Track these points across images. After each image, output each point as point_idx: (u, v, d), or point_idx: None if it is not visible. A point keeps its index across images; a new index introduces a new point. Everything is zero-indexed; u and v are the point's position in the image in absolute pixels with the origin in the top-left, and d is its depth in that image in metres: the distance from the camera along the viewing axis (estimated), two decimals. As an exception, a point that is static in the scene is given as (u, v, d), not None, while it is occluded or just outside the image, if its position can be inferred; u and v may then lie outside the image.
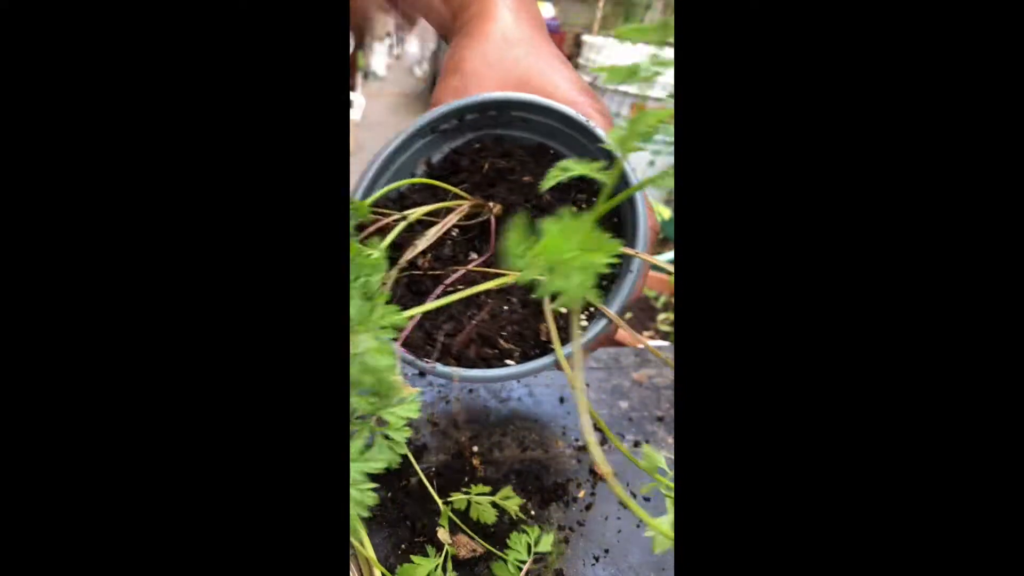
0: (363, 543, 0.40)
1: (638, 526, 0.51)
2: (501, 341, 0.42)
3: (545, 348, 0.42)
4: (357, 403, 0.31)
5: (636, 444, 0.59)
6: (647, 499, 0.54)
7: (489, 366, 0.42)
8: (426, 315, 0.43)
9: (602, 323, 0.40)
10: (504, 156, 0.48)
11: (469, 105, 0.46)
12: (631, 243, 0.42)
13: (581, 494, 0.54)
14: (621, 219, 0.45)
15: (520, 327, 0.43)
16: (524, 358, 0.42)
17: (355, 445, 0.31)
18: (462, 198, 0.46)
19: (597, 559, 0.49)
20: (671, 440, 0.60)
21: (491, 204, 0.46)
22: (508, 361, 0.42)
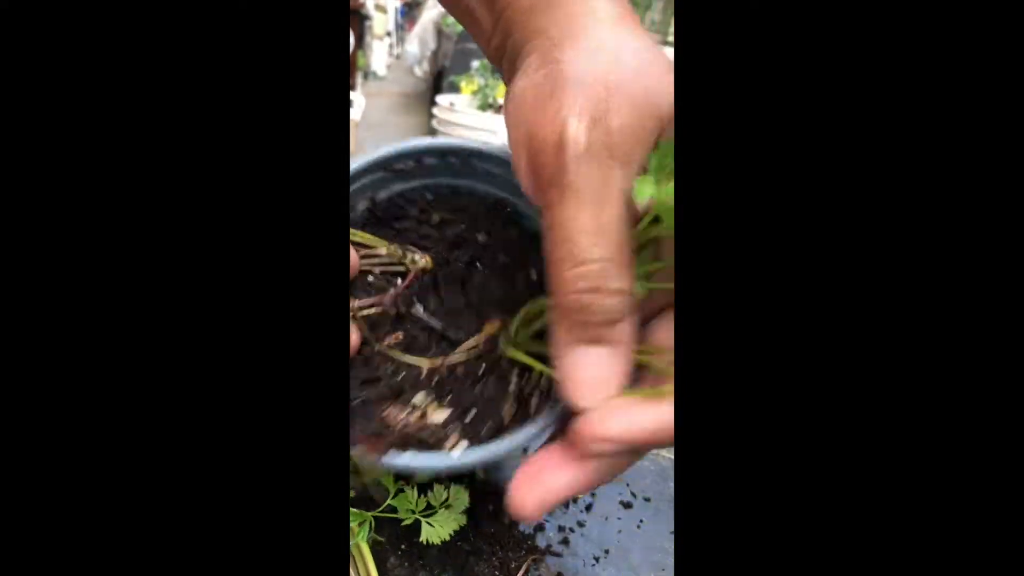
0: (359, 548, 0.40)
1: (638, 526, 0.51)
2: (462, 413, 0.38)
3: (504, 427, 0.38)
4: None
5: (636, 444, 0.59)
6: (647, 499, 0.54)
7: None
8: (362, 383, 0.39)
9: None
10: (456, 211, 0.44)
11: (430, 148, 0.43)
12: None
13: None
14: None
15: (481, 397, 0.39)
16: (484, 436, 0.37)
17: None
18: (372, 246, 0.42)
19: (597, 559, 0.49)
20: (671, 440, 0.60)
21: (416, 255, 0.42)
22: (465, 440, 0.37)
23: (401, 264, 0.42)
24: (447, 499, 0.46)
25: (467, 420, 0.38)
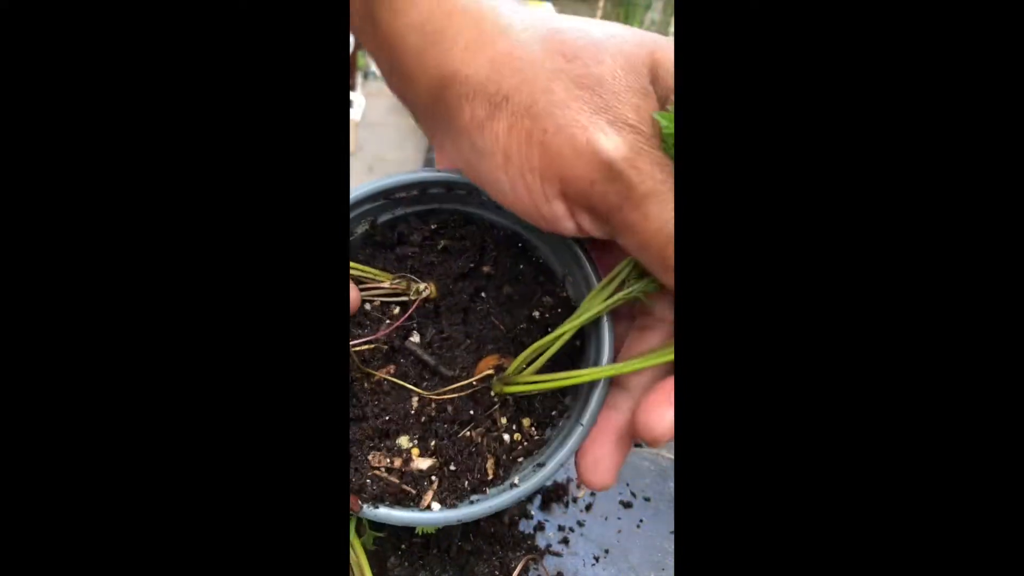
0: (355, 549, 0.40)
1: (638, 526, 0.51)
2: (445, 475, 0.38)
3: (486, 484, 0.38)
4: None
5: (636, 444, 0.59)
6: (647, 499, 0.54)
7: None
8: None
9: (576, 434, 0.36)
10: (463, 239, 0.42)
11: (433, 180, 0.39)
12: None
13: (581, 494, 0.54)
14: (584, 342, 0.40)
15: (461, 457, 0.38)
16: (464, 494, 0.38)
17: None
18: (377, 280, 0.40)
19: (597, 559, 0.49)
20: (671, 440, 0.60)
21: (421, 286, 0.40)
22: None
23: (404, 295, 0.40)
24: None
25: (450, 469, 0.38)
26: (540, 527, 0.50)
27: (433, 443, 0.39)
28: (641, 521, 0.52)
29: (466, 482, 0.38)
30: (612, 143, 0.30)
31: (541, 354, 0.36)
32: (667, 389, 0.33)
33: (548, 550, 0.49)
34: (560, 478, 0.54)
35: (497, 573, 0.46)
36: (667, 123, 0.29)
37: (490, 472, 0.38)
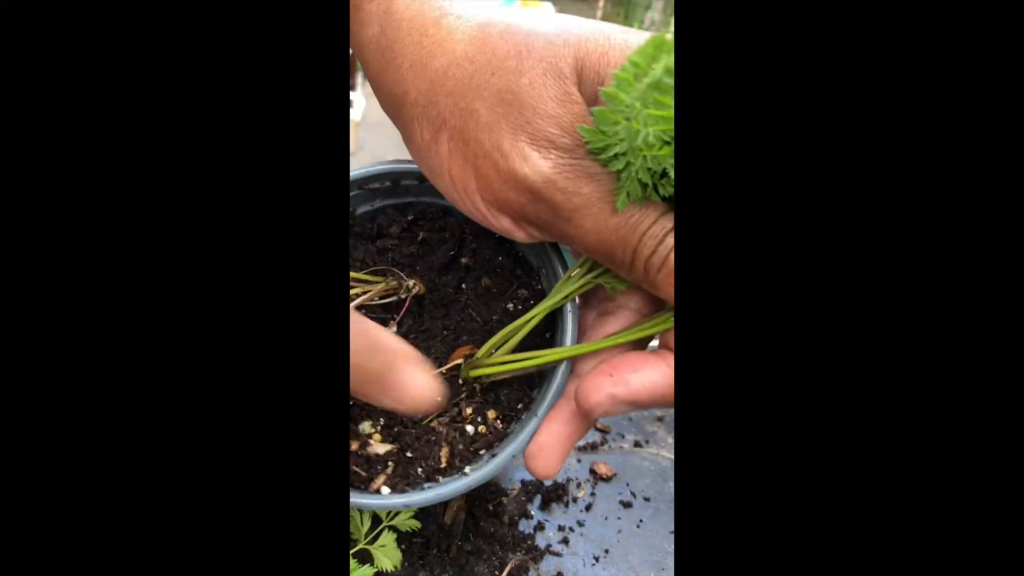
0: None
1: (638, 526, 0.51)
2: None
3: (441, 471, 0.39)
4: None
5: (636, 444, 0.59)
6: (647, 499, 0.54)
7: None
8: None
9: (531, 424, 0.37)
10: (442, 231, 0.43)
11: (405, 171, 0.41)
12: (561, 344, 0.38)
13: (581, 494, 0.54)
14: (554, 333, 0.41)
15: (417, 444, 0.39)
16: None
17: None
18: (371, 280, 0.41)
19: (597, 559, 0.49)
20: (671, 440, 0.60)
21: (410, 283, 0.41)
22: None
23: (394, 293, 0.41)
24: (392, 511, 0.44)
25: (406, 456, 0.38)
26: (540, 527, 0.50)
27: (396, 429, 0.39)
28: (641, 521, 0.52)
29: (420, 469, 0.38)
30: (531, 168, 0.30)
31: (509, 339, 0.37)
32: (612, 365, 0.33)
33: (548, 550, 0.49)
34: (561, 478, 0.54)
35: (497, 573, 0.46)
36: (591, 137, 0.29)
37: (443, 460, 0.38)
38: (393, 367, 0.29)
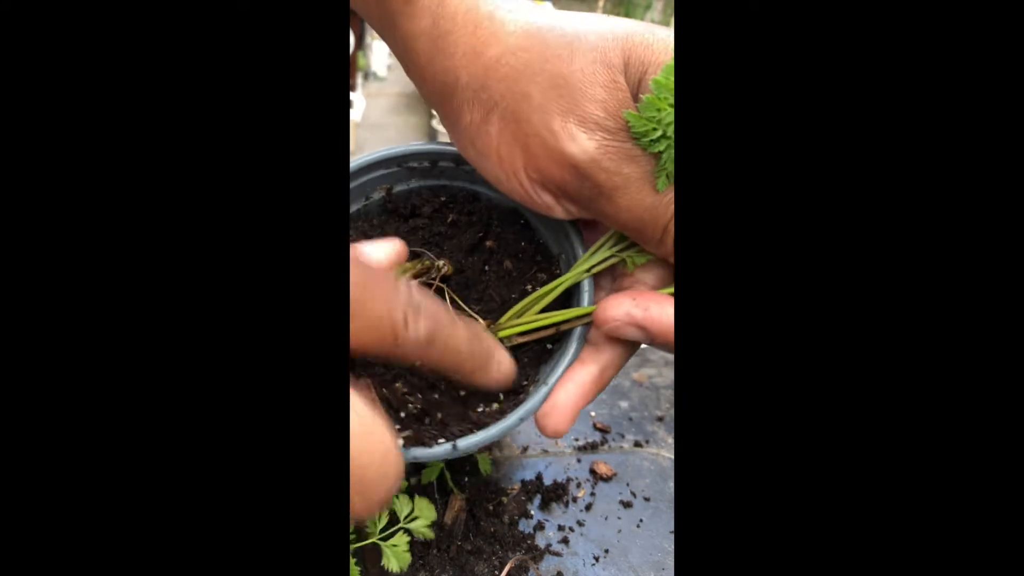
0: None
1: (638, 526, 0.51)
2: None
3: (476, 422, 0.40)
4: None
5: (636, 444, 0.59)
6: (647, 499, 0.54)
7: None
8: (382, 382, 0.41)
9: (543, 390, 0.38)
10: (471, 214, 0.45)
11: (444, 153, 0.43)
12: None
13: (581, 494, 0.54)
14: (571, 297, 0.42)
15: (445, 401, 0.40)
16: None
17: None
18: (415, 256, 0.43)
19: (597, 559, 0.49)
20: (671, 440, 0.60)
21: (440, 263, 0.43)
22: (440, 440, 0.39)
23: (425, 274, 0.43)
24: (411, 513, 0.45)
25: (436, 415, 0.40)
26: (540, 527, 0.50)
27: (417, 395, 0.41)
28: (641, 521, 0.52)
29: (452, 427, 0.39)
30: (578, 147, 0.33)
31: (529, 309, 0.40)
32: (637, 291, 0.37)
33: (548, 550, 0.49)
34: (561, 478, 0.54)
35: (497, 573, 0.46)
36: (634, 122, 0.32)
37: (472, 417, 0.40)
38: (494, 352, 0.34)
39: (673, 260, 0.36)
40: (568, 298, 0.41)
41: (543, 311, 0.40)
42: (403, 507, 0.45)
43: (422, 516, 0.45)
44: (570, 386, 0.38)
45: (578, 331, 0.39)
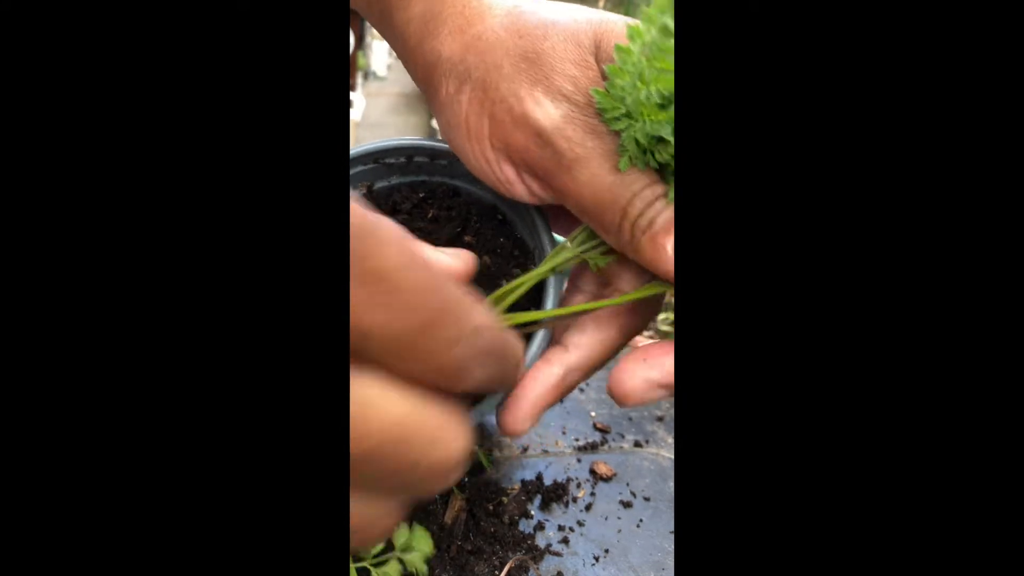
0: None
1: (638, 526, 0.51)
2: None
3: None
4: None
5: (636, 444, 0.59)
6: (647, 499, 0.54)
7: None
8: None
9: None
10: (450, 209, 0.45)
11: (418, 147, 0.44)
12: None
13: (581, 494, 0.54)
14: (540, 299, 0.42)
15: None
16: None
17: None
18: None
19: (597, 559, 0.49)
20: (671, 440, 0.60)
21: None
22: None
23: None
24: (407, 543, 0.45)
25: None
26: (540, 527, 0.50)
27: None
28: (641, 521, 0.52)
29: None
30: (543, 113, 0.33)
31: (495, 305, 0.39)
32: (644, 350, 0.35)
33: (548, 550, 0.49)
34: (561, 478, 0.54)
35: (497, 573, 0.46)
36: (600, 98, 0.33)
37: None
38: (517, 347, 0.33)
39: (634, 254, 0.34)
40: (539, 294, 0.40)
41: (511, 309, 0.39)
42: (400, 536, 0.44)
43: (418, 548, 0.44)
44: (531, 384, 0.37)
45: (542, 331, 0.38)
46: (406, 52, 0.39)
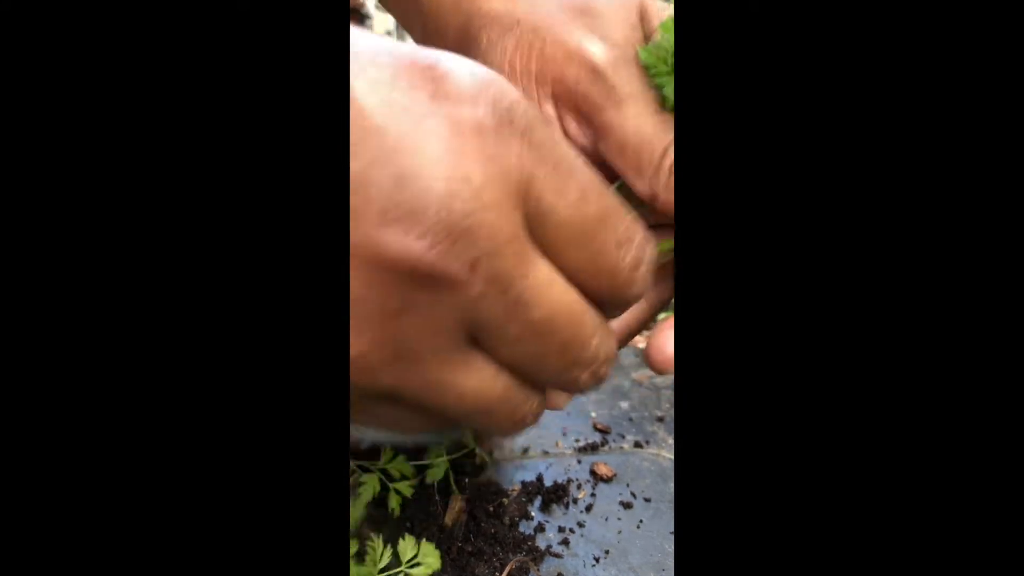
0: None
1: (638, 527, 0.51)
2: None
3: None
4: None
5: (636, 444, 0.59)
6: (647, 500, 0.54)
7: None
8: None
9: None
10: None
11: None
12: None
13: (581, 494, 0.54)
14: None
15: None
16: None
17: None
18: None
19: (597, 559, 0.49)
20: (671, 440, 0.60)
21: None
22: None
23: None
24: (414, 559, 0.44)
25: None
26: (540, 528, 0.50)
27: None
28: (641, 522, 0.52)
29: None
30: (598, 49, 0.35)
31: None
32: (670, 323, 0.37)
33: (548, 551, 0.49)
34: (561, 479, 0.54)
35: (497, 574, 0.46)
36: (646, 56, 0.35)
37: None
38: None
39: (661, 203, 0.36)
40: None
41: None
42: (407, 550, 0.44)
43: (425, 564, 0.44)
44: None
45: None
46: (438, 20, 0.40)
